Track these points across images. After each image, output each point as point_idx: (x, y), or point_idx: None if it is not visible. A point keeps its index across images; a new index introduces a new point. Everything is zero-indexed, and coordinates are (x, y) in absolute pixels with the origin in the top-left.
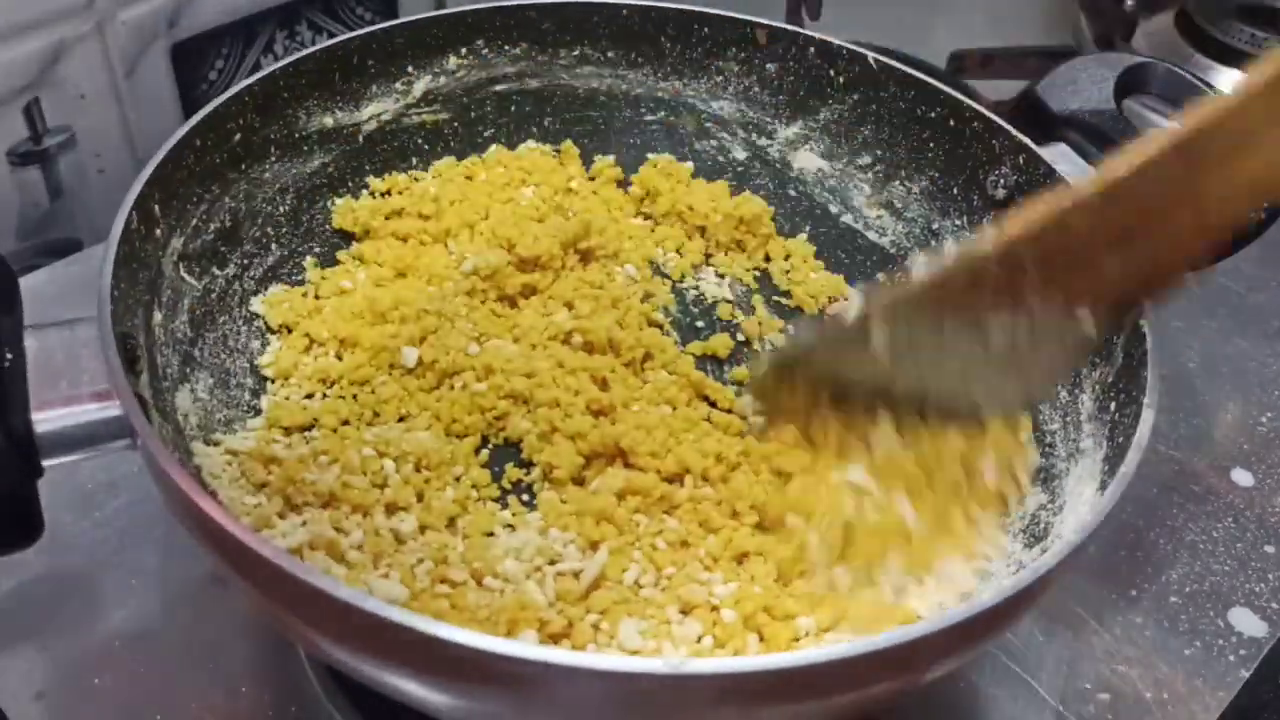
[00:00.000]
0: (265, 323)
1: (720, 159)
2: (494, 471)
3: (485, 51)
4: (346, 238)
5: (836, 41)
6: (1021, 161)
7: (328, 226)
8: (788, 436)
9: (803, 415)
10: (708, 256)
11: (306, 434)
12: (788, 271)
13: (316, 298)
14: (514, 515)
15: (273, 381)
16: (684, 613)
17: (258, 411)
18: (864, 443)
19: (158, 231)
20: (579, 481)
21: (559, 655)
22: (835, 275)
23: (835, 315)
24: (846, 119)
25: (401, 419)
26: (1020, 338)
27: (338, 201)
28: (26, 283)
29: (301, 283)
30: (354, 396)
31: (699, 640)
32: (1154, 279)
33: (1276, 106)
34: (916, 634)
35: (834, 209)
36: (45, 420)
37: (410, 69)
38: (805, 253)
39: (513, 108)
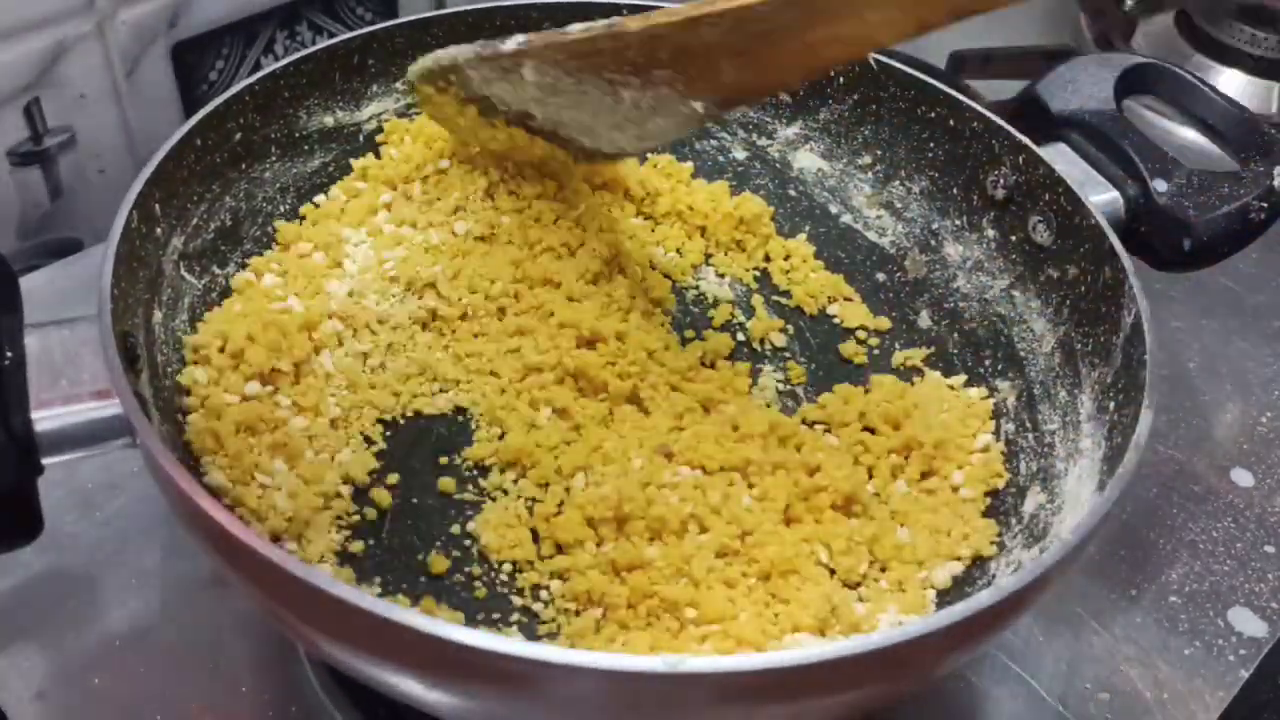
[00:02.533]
0: None
1: (720, 159)
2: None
3: None
4: None
5: None
6: (1021, 161)
7: None
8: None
9: (454, 117)
10: (708, 256)
11: None
12: (788, 271)
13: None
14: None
15: None
16: None
17: None
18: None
19: (158, 230)
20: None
21: (558, 654)
22: (835, 275)
23: (495, 43)
24: (846, 119)
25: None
26: (644, 104)
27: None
28: (26, 283)
29: None
30: None
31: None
32: (758, 90)
33: None
34: (916, 634)
35: (834, 209)
36: (45, 418)
37: None
38: (805, 253)
39: None
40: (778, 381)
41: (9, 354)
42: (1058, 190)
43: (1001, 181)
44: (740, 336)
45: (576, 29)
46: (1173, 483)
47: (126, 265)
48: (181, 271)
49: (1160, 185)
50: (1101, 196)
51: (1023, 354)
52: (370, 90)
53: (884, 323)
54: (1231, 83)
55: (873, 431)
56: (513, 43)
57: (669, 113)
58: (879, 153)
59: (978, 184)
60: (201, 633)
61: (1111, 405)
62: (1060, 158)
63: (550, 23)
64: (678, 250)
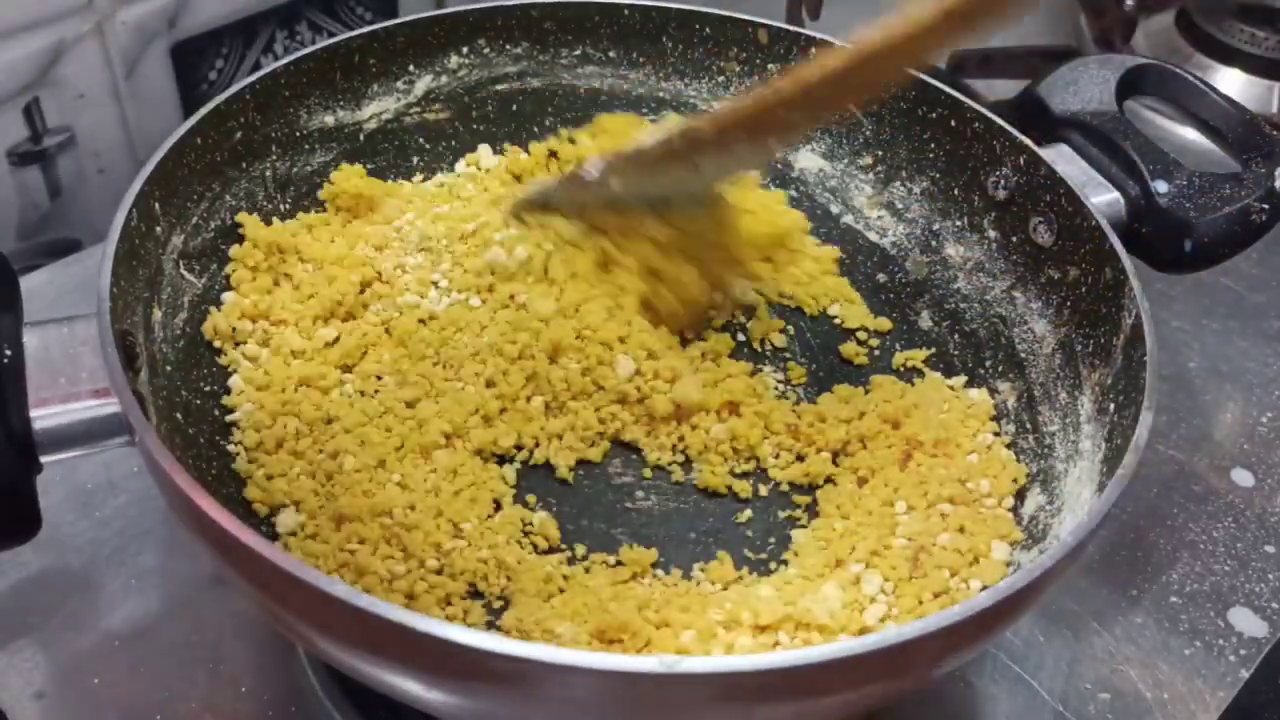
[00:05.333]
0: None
1: None
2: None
3: (487, 51)
4: None
5: (838, 41)
6: (1022, 162)
7: None
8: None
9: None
10: None
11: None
12: None
13: None
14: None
15: None
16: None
17: None
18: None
19: (158, 229)
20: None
21: (557, 654)
22: (839, 277)
23: (576, 174)
24: (847, 119)
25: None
26: (725, 167)
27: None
28: (25, 283)
29: None
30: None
31: None
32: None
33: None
34: (915, 634)
35: (835, 209)
36: (44, 417)
37: (412, 68)
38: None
39: (514, 107)
40: (778, 382)
41: (8, 352)
42: (1059, 191)
43: (1002, 182)
44: (740, 337)
45: (650, 140)
46: (1173, 483)
47: (126, 264)
48: (181, 270)
49: (1161, 186)
50: (1102, 197)
51: (1023, 355)
52: (371, 89)
53: (885, 324)
54: (1231, 83)
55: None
56: (594, 168)
57: (748, 161)
58: (880, 153)
59: (979, 185)
60: (201, 633)
61: (1112, 406)
62: (1061, 159)
63: (552, 23)
64: None
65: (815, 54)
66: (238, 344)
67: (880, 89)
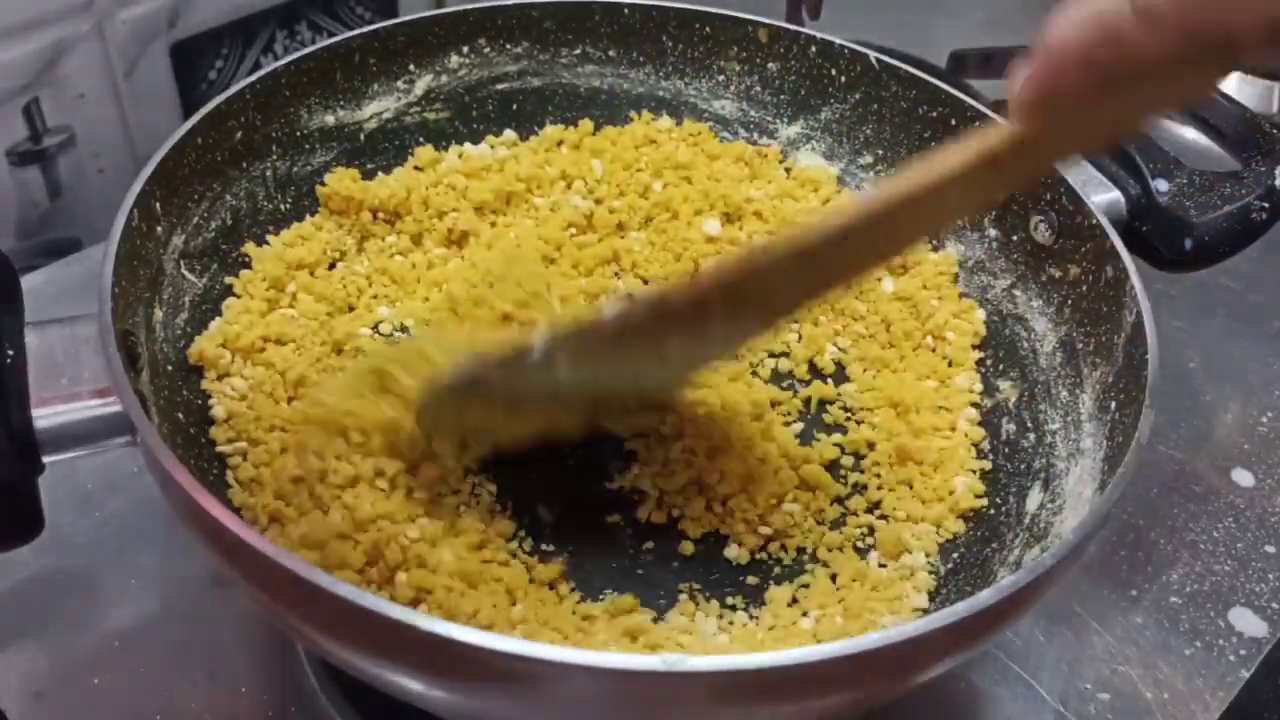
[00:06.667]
0: None
1: None
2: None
3: (487, 50)
4: None
5: (838, 41)
6: None
7: None
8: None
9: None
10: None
11: None
12: None
13: None
14: None
15: None
16: None
17: None
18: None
19: (159, 229)
20: None
21: (558, 653)
22: None
23: (518, 347)
24: (848, 118)
25: None
26: (693, 349)
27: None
28: (26, 282)
29: None
30: None
31: None
32: (822, 295)
33: (970, 188)
34: (915, 633)
35: None
36: (46, 416)
37: (412, 67)
38: None
39: (514, 106)
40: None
41: (10, 352)
42: (1059, 189)
43: None
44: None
45: (611, 311)
46: (1173, 483)
47: (127, 264)
48: (182, 270)
49: (1161, 185)
50: (1103, 196)
51: (1024, 353)
52: (371, 89)
53: None
54: (1231, 82)
55: None
56: (539, 343)
57: (718, 344)
58: (880, 152)
59: None
60: (201, 633)
61: (1113, 405)
62: None
63: (552, 22)
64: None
65: (820, 213)
66: (221, 377)
67: (900, 251)
